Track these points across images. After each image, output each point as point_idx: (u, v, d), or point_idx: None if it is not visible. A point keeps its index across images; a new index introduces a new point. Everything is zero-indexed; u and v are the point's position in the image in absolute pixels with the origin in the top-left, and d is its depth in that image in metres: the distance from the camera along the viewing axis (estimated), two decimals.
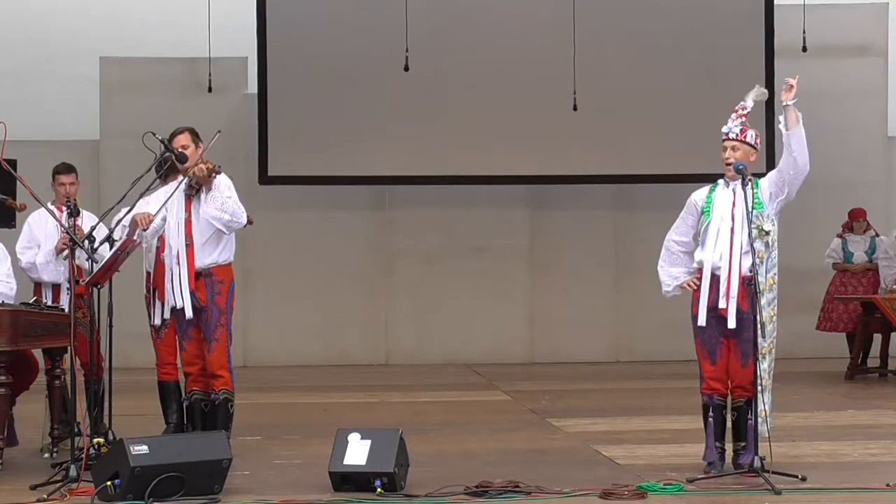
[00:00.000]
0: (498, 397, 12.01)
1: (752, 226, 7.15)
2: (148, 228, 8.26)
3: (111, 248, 7.68)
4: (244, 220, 8.36)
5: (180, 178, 8.38)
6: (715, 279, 7.25)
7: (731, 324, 7.16)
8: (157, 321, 8.85)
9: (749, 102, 7.37)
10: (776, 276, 7.27)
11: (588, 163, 15.27)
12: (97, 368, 8.37)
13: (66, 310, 7.90)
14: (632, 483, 6.82)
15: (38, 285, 8.98)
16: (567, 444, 8.73)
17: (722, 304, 7.20)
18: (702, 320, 7.28)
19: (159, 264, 8.73)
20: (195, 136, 8.38)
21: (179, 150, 8.27)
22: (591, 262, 15.87)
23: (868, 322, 13.20)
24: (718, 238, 7.26)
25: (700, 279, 7.32)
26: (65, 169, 9.13)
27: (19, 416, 8.30)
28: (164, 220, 8.32)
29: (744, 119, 7.34)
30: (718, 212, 7.29)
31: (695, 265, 7.40)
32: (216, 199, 8.19)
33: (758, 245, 7.15)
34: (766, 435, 7.08)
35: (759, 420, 7.13)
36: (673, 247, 7.49)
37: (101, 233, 7.84)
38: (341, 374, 14.48)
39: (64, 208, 8.57)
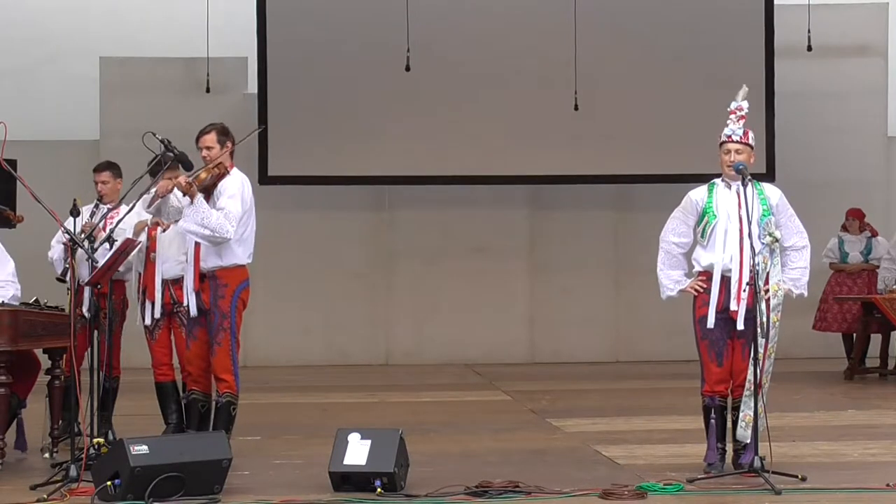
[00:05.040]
0: (498, 397, 12.01)
1: (765, 232, 7.16)
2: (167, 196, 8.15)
3: (111, 248, 7.68)
4: (229, 235, 7.99)
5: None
6: (724, 281, 7.24)
7: (741, 325, 7.15)
8: (148, 321, 8.84)
9: (745, 104, 7.36)
10: (782, 282, 7.27)
11: (588, 163, 15.27)
12: (112, 368, 8.38)
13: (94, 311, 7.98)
14: (632, 483, 6.82)
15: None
16: (567, 444, 8.73)
17: (733, 307, 7.19)
18: (711, 322, 7.25)
19: (149, 265, 8.74)
20: (222, 136, 8.13)
21: (204, 149, 8.16)
22: (591, 262, 15.86)
23: (867, 322, 13.19)
24: (727, 240, 7.24)
25: (705, 282, 7.30)
26: (101, 167, 9.28)
27: None
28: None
29: (744, 121, 7.33)
30: (724, 213, 7.26)
31: (698, 268, 7.37)
32: (197, 213, 7.94)
33: (765, 252, 7.16)
34: (757, 438, 7.09)
35: (748, 423, 7.15)
36: (673, 249, 7.43)
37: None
38: (341, 374, 14.48)
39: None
